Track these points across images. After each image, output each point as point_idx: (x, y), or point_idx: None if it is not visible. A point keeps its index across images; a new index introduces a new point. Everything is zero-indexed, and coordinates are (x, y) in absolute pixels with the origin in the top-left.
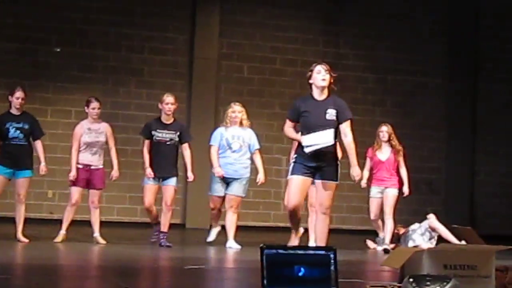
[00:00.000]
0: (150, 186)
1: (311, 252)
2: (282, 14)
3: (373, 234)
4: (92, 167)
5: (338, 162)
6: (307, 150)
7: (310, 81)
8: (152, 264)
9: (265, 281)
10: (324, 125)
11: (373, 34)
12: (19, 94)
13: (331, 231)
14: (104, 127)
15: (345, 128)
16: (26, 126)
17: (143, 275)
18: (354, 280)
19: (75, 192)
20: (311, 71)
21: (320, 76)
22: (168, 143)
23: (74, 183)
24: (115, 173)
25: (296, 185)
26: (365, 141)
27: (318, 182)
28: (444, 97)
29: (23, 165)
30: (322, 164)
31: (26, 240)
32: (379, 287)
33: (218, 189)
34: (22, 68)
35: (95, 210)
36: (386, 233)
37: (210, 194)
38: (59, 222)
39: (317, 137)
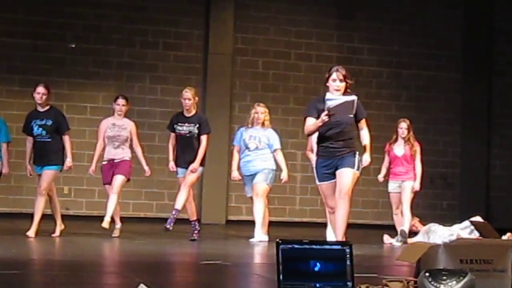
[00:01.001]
0: (180, 179)
1: (327, 247)
2: (296, 8)
3: (389, 229)
4: (116, 160)
5: (357, 154)
6: (329, 103)
7: (327, 84)
8: (167, 259)
9: (280, 276)
10: (341, 122)
11: (388, 28)
12: (39, 89)
13: (347, 226)
14: (129, 124)
15: (362, 125)
16: (49, 123)
17: (159, 270)
18: (370, 275)
19: (108, 189)
20: (329, 75)
21: (335, 85)
22: (188, 135)
23: (104, 182)
24: (146, 169)
25: (326, 190)
26: (380, 136)
27: (338, 172)
28: (459, 91)
29: (48, 161)
30: (340, 157)
31: (32, 236)
32: (395, 281)
33: (249, 190)
34: (36, 65)
35: (113, 196)
36: (405, 225)
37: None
38: (75, 217)
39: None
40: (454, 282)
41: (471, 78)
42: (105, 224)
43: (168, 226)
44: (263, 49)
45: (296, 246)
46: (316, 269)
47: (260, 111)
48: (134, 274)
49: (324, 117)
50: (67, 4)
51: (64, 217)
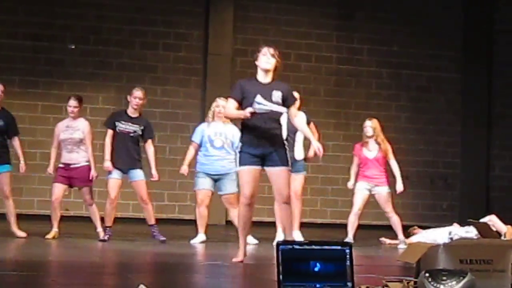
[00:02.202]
0: (112, 181)
1: (327, 247)
2: (295, 9)
3: (387, 230)
4: (72, 166)
5: (287, 147)
6: (256, 106)
7: (256, 63)
8: (167, 260)
9: (281, 277)
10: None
11: (387, 28)
12: None
13: (346, 226)
14: (82, 124)
15: (294, 109)
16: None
17: (159, 271)
18: (370, 275)
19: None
20: (258, 52)
21: (264, 60)
22: (131, 135)
23: (56, 181)
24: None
25: (247, 176)
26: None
27: (270, 170)
28: (459, 91)
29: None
30: (269, 151)
31: (24, 234)
32: (395, 282)
33: (206, 184)
34: (36, 66)
35: (90, 208)
36: (396, 228)
37: (196, 189)
38: (75, 218)
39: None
40: (454, 283)
41: (471, 78)
42: (102, 235)
43: (162, 239)
44: None
45: (296, 246)
46: (316, 269)
47: (222, 105)
48: (134, 275)
49: (247, 113)
50: (67, 6)
51: (64, 219)
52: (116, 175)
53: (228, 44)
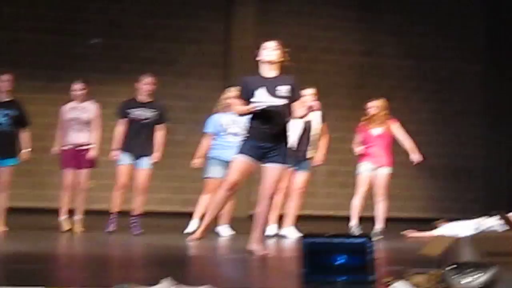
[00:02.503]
0: (122, 168)
1: (349, 240)
2: (318, 1)
3: (409, 223)
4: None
5: (288, 145)
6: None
7: (258, 59)
8: (192, 253)
9: (304, 270)
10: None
11: (410, 20)
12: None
13: (369, 219)
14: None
15: (297, 105)
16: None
17: (184, 264)
18: (393, 268)
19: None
20: (260, 48)
21: (266, 54)
22: (144, 121)
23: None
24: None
25: (241, 166)
26: (404, 128)
27: (266, 165)
28: (483, 83)
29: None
30: (272, 146)
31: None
32: (418, 274)
33: (217, 170)
34: (60, 60)
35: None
36: (379, 216)
37: (208, 176)
38: (103, 213)
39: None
40: (479, 275)
41: (494, 69)
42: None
43: (138, 232)
44: (285, 42)
45: (319, 239)
46: (339, 262)
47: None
48: (160, 268)
49: (251, 108)
50: (89, 0)
51: (89, 212)
52: (126, 160)
53: (250, 37)
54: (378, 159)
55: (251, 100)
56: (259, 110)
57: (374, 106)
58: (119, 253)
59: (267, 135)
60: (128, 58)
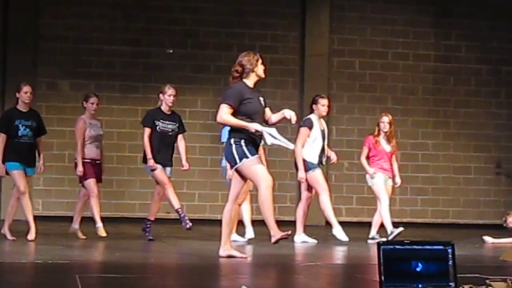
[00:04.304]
0: (159, 175)
1: (429, 247)
2: (392, 8)
3: (490, 228)
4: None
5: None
6: (270, 141)
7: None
8: (265, 261)
9: (382, 277)
10: (263, 112)
11: (486, 24)
12: (26, 88)
13: (447, 225)
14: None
15: (268, 110)
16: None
17: (260, 272)
18: (472, 275)
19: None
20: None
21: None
22: (170, 133)
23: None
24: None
25: (260, 162)
26: (482, 134)
27: None
28: None
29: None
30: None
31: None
32: (499, 281)
33: None
34: (135, 71)
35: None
36: (377, 223)
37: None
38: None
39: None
40: None
41: None
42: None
43: (189, 225)
44: (360, 49)
45: (397, 246)
46: (418, 269)
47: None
48: (237, 276)
49: (253, 130)
50: (164, 11)
51: (165, 221)
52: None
53: (325, 44)
54: (388, 173)
55: (243, 108)
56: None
57: (388, 122)
58: (195, 262)
59: (257, 143)
60: (204, 68)
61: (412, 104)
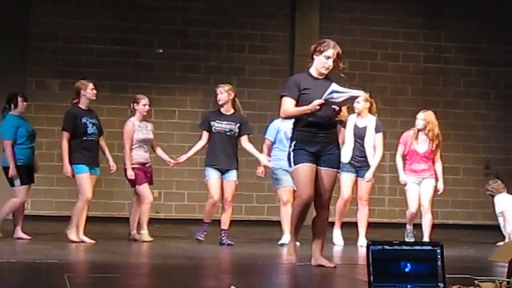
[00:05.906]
0: (212, 181)
1: (417, 247)
2: (381, 8)
3: (478, 229)
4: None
5: (340, 148)
6: (335, 95)
7: (313, 57)
8: (258, 262)
9: (371, 277)
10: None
11: (475, 26)
12: (92, 85)
13: (436, 226)
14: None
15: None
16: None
17: (248, 273)
18: (461, 276)
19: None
20: (322, 49)
21: (326, 63)
22: (228, 133)
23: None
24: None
25: (306, 174)
26: (471, 135)
27: (321, 170)
28: None
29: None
30: (325, 149)
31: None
32: (487, 282)
33: (287, 180)
34: (125, 70)
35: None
36: (425, 229)
37: (281, 187)
38: (165, 221)
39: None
40: None
41: None
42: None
43: (225, 243)
44: (349, 50)
45: (386, 247)
46: (407, 270)
47: None
48: (225, 276)
49: (317, 106)
50: (154, 10)
51: (154, 221)
52: (215, 174)
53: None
54: (421, 173)
55: (304, 100)
56: (323, 103)
57: (422, 119)
58: (185, 262)
59: (319, 138)
60: (194, 67)
61: (402, 104)
